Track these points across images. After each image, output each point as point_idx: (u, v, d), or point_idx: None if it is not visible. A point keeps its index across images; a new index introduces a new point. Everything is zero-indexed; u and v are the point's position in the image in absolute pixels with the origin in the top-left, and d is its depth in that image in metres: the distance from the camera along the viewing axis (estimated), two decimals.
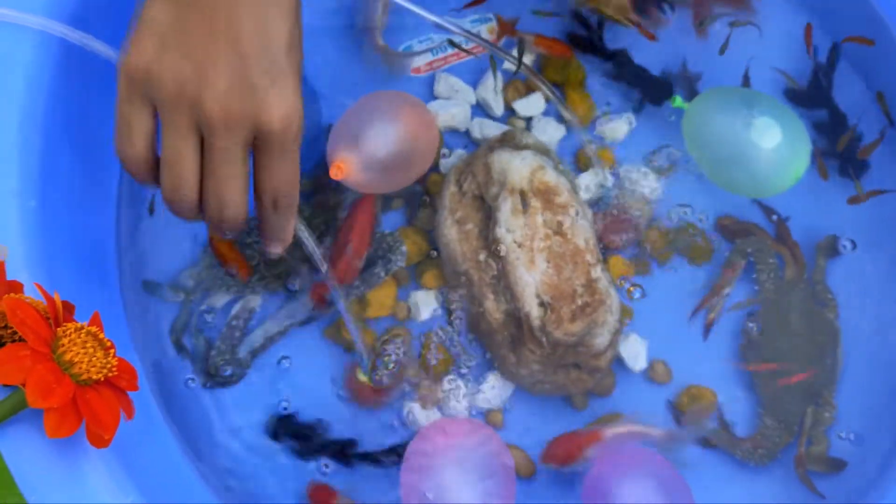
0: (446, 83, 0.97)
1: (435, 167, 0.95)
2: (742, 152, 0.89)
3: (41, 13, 0.76)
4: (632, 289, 0.93)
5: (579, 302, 0.85)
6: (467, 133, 0.97)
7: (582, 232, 0.87)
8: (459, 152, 0.96)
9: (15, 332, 0.63)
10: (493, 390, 0.91)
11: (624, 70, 0.97)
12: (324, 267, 0.85)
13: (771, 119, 0.89)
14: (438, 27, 0.90)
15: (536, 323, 0.85)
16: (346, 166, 0.84)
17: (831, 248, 0.94)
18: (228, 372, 0.89)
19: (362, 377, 0.88)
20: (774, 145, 0.88)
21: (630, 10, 0.96)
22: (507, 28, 0.96)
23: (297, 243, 0.90)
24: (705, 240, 0.95)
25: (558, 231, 0.86)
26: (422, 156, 0.89)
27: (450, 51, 0.98)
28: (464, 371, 0.91)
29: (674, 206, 0.95)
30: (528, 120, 0.97)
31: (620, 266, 0.93)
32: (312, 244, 0.84)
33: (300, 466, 0.88)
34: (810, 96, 0.96)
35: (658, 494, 0.84)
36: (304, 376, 0.91)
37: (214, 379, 0.89)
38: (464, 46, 0.95)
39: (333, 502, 0.87)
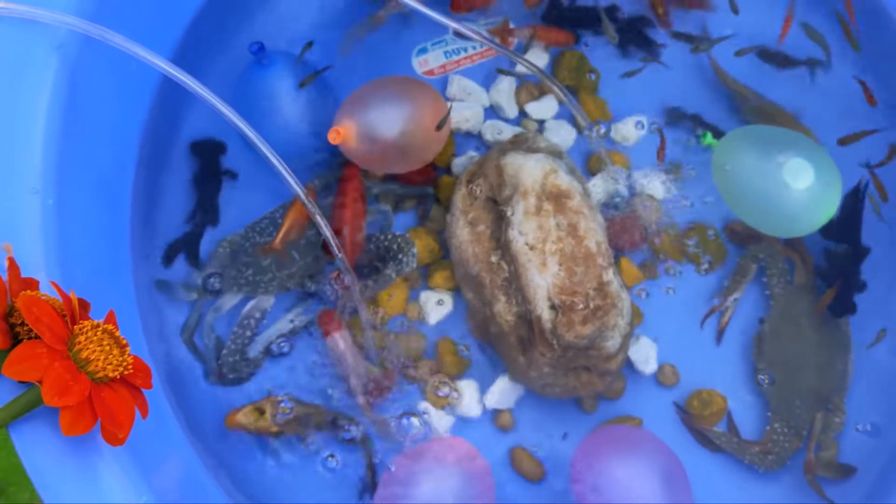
0: (459, 85, 0.97)
1: (447, 168, 0.95)
2: (774, 193, 0.88)
3: (61, 9, 0.76)
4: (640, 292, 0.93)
5: (591, 305, 0.85)
6: (479, 135, 0.97)
7: (594, 235, 0.87)
8: (471, 154, 0.96)
9: (32, 330, 0.63)
10: (503, 392, 0.91)
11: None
12: (340, 253, 0.86)
13: (803, 159, 0.87)
14: (458, 35, 0.90)
15: (548, 325, 0.85)
16: (344, 132, 0.85)
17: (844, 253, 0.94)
18: (239, 371, 0.89)
19: (372, 369, 0.89)
20: (807, 186, 0.87)
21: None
22: (504, 33, 0.96)
23: (308, 243, 0.90)
24: (716, 244, 0.95)
25: (570, 234, 0.86)
26: (425, 143, 0.88)
27: (463, 53, 0.98)
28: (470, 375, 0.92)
29: (685, 210, 0.95)
30: (541, 123, 0.97)
31: (631, 269, 0.93)
32: (329, 232, 0.85)
33: (312, 463, 0.88)
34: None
35: (646, 468, 0.84)
36: (313, 375, 0.91)
37: (226, 377, 0.89)
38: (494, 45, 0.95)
39: (334, 331, 0.87)
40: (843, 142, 0.94)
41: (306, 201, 0.86)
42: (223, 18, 0.94)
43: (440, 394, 0.89)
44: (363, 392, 0.87)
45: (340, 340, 0.87)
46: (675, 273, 0.94)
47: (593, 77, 0.98)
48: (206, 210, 0.92)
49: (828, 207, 0.88)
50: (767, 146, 0.89)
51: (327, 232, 0.86)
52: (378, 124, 0.86)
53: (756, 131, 0.93)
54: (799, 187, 0.87)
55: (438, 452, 0.86)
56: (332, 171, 0.93)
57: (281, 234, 0.89)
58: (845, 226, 0.92)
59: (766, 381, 0.92)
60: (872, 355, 0.92)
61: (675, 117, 0.97)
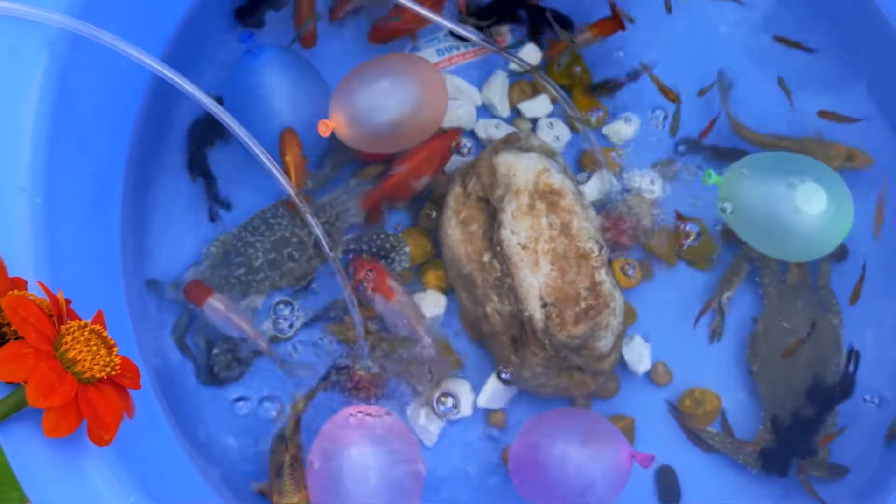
0: (451, 84, 0.97)
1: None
2: (790, 221, 0.87)
3: (50, 7, 0.76)
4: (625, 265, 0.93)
5: (583, 304, 0.85)
6: (472, 134, 0.96)
7: (586, 234, 0.87)
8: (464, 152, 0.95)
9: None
10: (496, 392, 0.91)
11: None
12: (331, 255, 0.86)
13: (815, 183, 0.86)
14: (453, 35, 0.90)
15: (540, 325, 0.84)
16: (332, 123, 0.85)
17: (836, 254, 0.94)
18: (230, 370, 0.89)
19: (362, 371, 0.88)
20: (821, 210, 0.86)
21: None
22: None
23: (300, 243, 0.90)
24: (710, 243, 0.94)
25: (563, 233, 0.86)
26: (419, 118, 0.87)
27: (455, 52, 0.98)
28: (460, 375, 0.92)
29: (679, 210, 0.95)
30: (534, 122, 0.97)
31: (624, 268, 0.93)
32: (320, 231, 0.85)
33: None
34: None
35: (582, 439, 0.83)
36: (306, 373, 0.91)
37: (217, 377, 0.89)
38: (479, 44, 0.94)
39: (207, 297, 0.87)
40: (822, 114, 0.95)
41: (296, 199, 0.86)
42: (215, 16, 0.93)
43: (443, 409, 0.89)
44: (263, 339, 0.88)
45: (217, 303, 0.87)
46: (668, 272, 0.94)
47: (578, 69, 0.97)
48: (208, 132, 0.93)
49: (842, 226, 0.87)
50: (776, 175, 0.88)
51: (318, 231, 0.86)
52: (367, 107, 0.85)
53: (759, 160, 0.92)
54: (813, 212, 0.86)
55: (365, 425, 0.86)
56: (330, 162, 0.93)
57: (294, 178, 0.88)
58: (822, 395, 0.90)
59: (759, 380, 0.91)
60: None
61: (690, 147, 0.96)
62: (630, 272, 0.92)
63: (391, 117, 0.86)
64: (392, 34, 0.95)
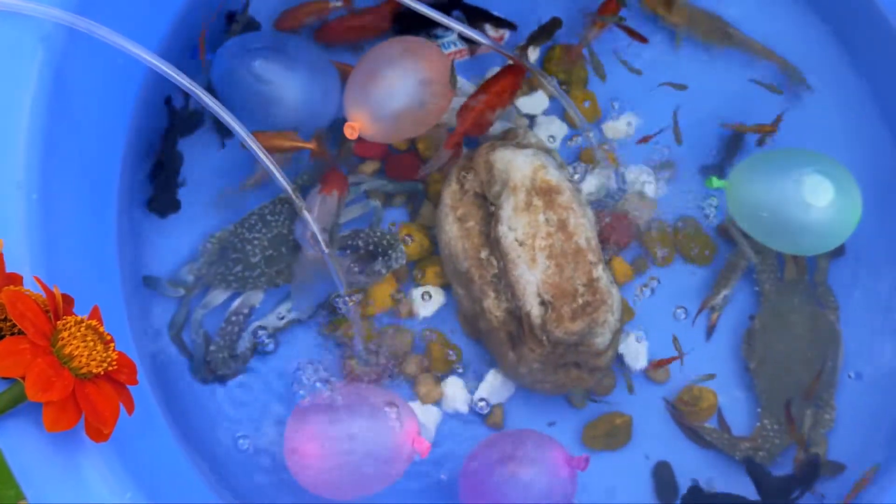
0: None
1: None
2: (800, 216, 0.87)
3: (46, 1, 0.76)
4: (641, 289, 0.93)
5: (580, 301, 0.85)
6: None
7: (583, 231, 0.87)
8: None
9: (14, 325, 0.63)
10: (493, 388, 0.91)
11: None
12: (327, 252, 0.85)
13: (819, 175, 0.87)
14: (452, 31, 0.90)
15: (537, 322, 0.84)
16: (357, 124, 0.85)
17: (833, 250, 0.94)
18: (227, 367, 0.89)
19: (357, 366, 0.88)
20: (830, 200, 0.86)
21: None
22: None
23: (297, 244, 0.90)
24: (707, 240, 0.95)
25: (560, 230, 0.86)
26: (437, 94, 0.88)
27: (452, 48, 0.98)
28: (460, 370, 0.91)
29: (675, 207, 0.95)
30: (531, 118, 0.97)
31: (622, 266, 0.93)
32: (316, 228, 0.85)
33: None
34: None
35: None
36: (302, 371, 0.90)
37: (213, 374, 0.89)
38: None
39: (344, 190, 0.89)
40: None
41: (293, 196, 0.86)
42: (212, 10, 0.93)
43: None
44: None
45: (335, 201, 0.88)
46: (665, 269, 0.94)
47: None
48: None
49: (852, 213, 0.87)
50: (780, 172, 0.88)
51: (315, 227, 0.86)
52: (384, 100, 0.86)
53: (763, 160, 0.92)
54: (822, 204, 0.86)
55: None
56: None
57: (304, 143, 0.88)
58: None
59: (757, 377, 0.92)
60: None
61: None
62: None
63: (410, 102, 0.86)
64: (337, 38, 0.95)
